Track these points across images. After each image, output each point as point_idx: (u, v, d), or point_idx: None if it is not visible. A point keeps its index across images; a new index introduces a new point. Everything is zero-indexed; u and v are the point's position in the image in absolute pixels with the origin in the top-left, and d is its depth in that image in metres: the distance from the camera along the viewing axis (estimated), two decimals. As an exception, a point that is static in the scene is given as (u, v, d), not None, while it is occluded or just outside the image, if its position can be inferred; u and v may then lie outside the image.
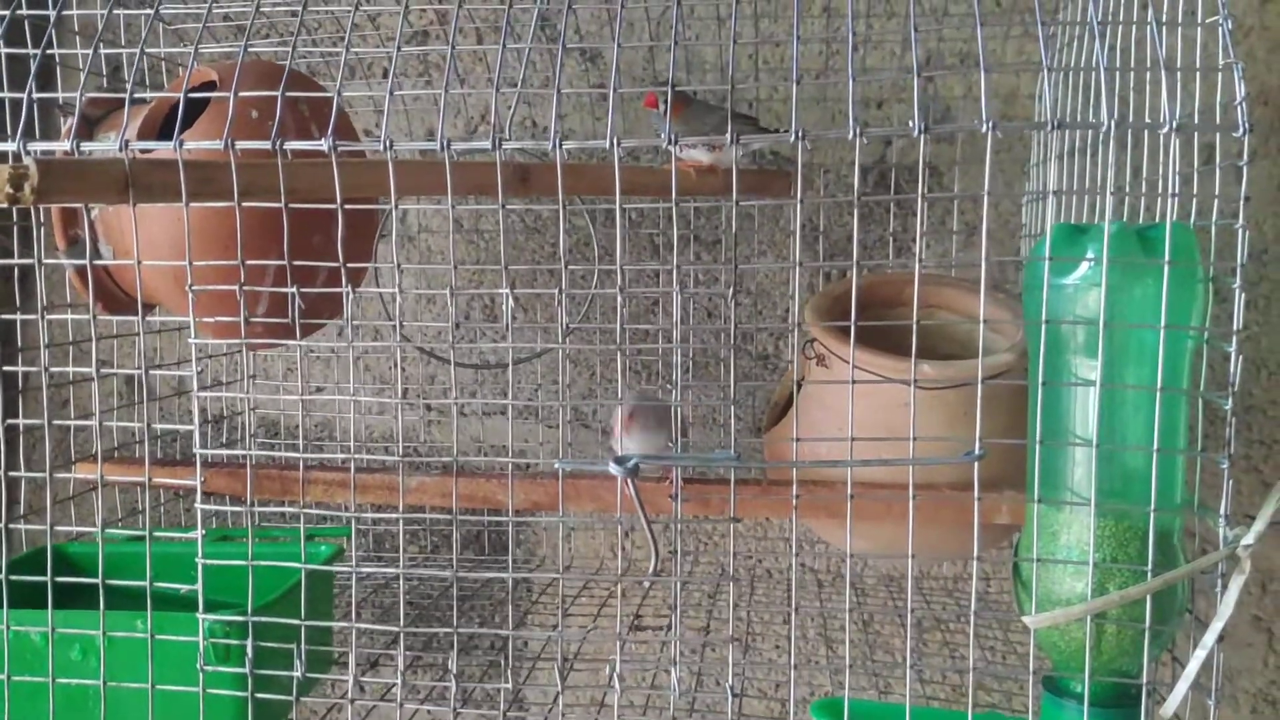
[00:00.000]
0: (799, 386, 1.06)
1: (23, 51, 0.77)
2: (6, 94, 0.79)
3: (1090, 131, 1.01)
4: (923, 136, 0.65)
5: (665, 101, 1.00)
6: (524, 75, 1.11)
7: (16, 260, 0.82)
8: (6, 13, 0.77)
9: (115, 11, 0.84)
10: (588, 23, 1.30)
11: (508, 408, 0.70)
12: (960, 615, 1.15)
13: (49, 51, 0.75)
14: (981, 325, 0.69)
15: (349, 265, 0.98)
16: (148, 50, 1.13)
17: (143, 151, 0.74)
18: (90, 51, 0.76)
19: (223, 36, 1.25)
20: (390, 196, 0.71)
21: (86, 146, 0.72)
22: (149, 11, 1.13)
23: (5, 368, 0.79)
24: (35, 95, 0.71)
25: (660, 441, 0.88)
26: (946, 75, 1.28)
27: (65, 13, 0.81)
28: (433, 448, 1.36)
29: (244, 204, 0.72)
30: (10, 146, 0.75)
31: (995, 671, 0.83)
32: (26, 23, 0.86)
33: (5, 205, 0.66)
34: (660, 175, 1.05)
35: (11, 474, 0.79)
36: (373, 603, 1.18)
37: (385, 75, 1.35)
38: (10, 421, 0.78)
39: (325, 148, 0.70)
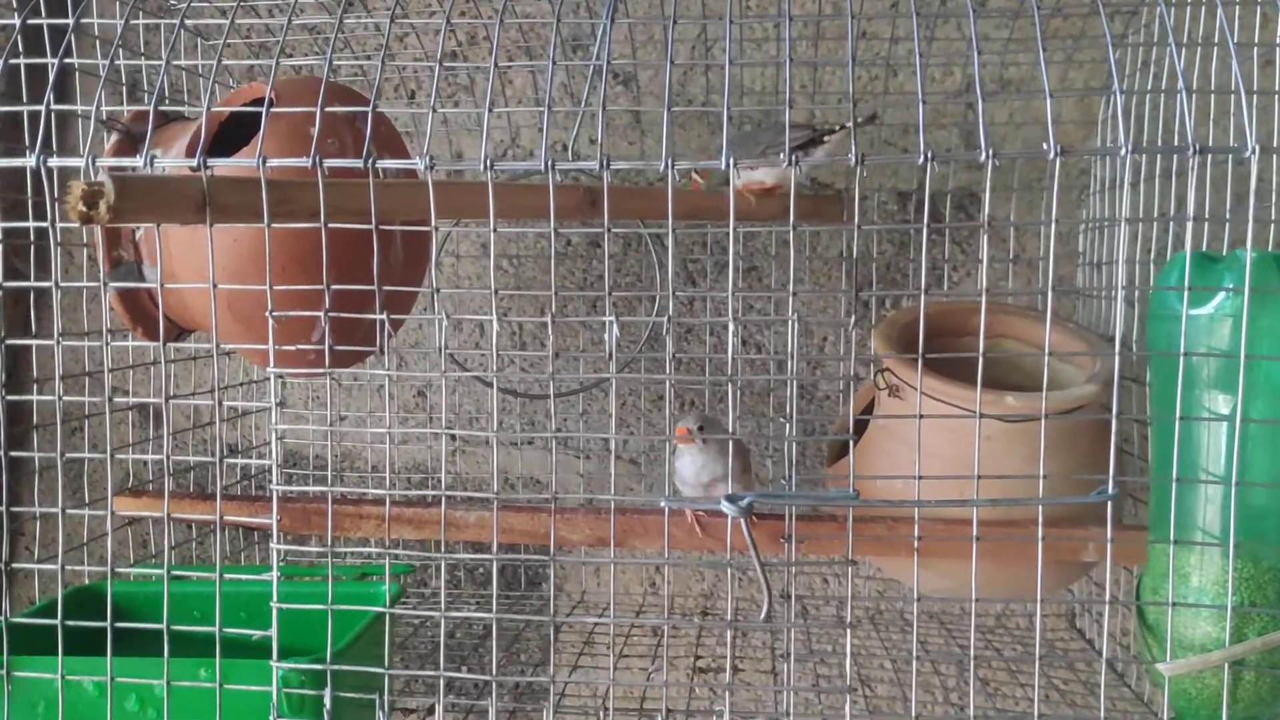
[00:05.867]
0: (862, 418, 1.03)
1: (91, 61, 0.72)
2: (73, 108, 0.74)
3: (1153, 158, 1.00)
4: (1058, 160, 0.62)
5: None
6: (584, 98, 1.08)
7: (75, 284, 0.77)
8: (70, 20, 0.72)
9: (187, 21, 0.80)
10: (620, 44, 1.27)
11: (608, 442, 0.65)
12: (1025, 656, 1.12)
13: (118, 62, 0.70)
14: (1116, 355, 0.66)
15: (403, 289, 0.95)
16: (177, 64, 1.09)
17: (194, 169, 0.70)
18: (162, 64, 0.71)
19: (247, 54, 1.21)
20: (490, 218, 0.67)
21: (160, 163, 0.68)
22: (200, 21, 1.09)
23: (63, 397, 0.73)
24: (105, 107, 0.67)
25: (728, 471, 0.83)
26: (988, 101, 1.26)
27: (134, 22, 0.77)
28: (457, 478, 1.32)
29: (324, 226, 0.68)
30: (29, 162, 0.71)
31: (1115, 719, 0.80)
32: (73, 36, 0.82)
33: (78, 224, 0.62)
34: (720, 199, 1.02)
35: (71, 511, 0.74)
36: (407, 646, 1.12)
37: (413, 96, 1.31)
38: (75, 455, 0.73)
39: (421, 166, 0.66)
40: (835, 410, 1.27)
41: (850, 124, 0.69)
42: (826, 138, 0.93)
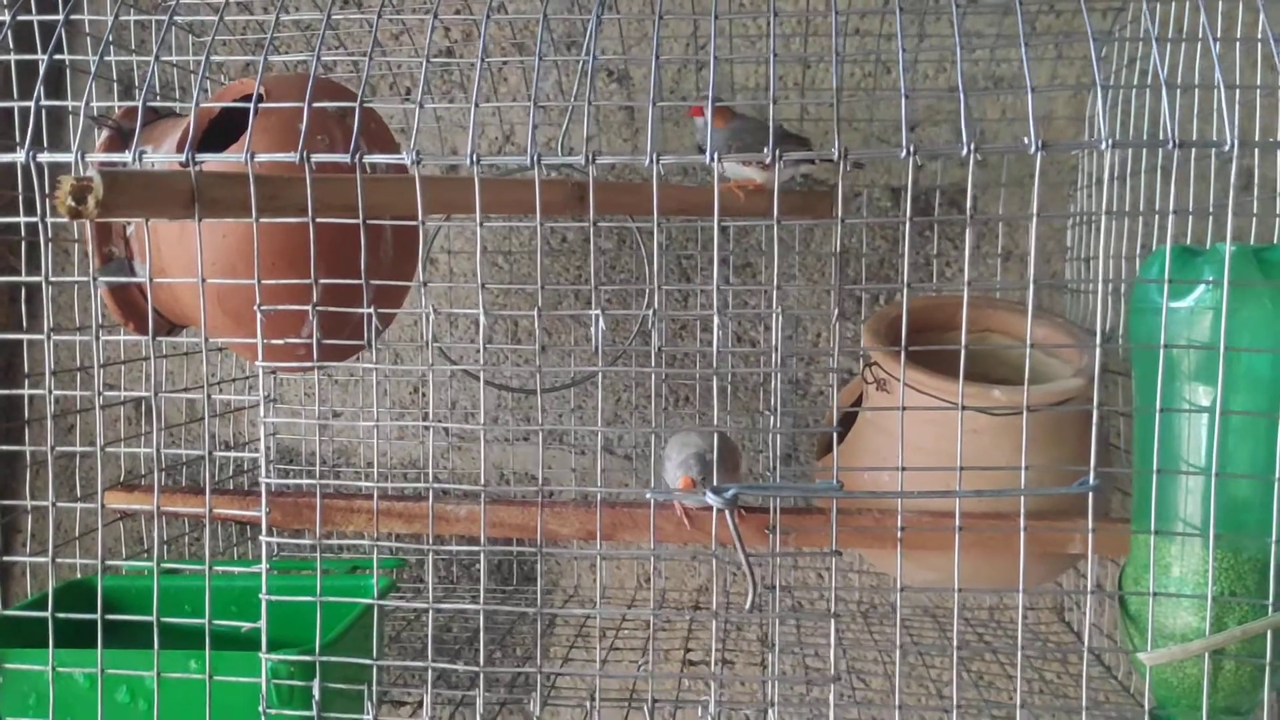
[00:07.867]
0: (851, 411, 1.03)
1: (82, 57, 0.72)
2: (64, 104, 0.74)
3: (1140, 154, 1.01)
4: (1045, 155, 0.63)
5: (709, 111, 0.97)
6: (574, 94, 1.08)
7: (66, 279, 0.77)
8: (101, 16, 0.72)
9: (178, 18, 0.81)
10: (614, 41, 1.27)
11: (597, 435, 0.65)
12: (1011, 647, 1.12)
13: (109, 59, 0.71)
14: (1098, 348, 0.67)
15: (392, 283, 0.95)
16: (168, 60, 1.09)
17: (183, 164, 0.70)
18: (153, 60, 0.72)
19: (239, 50, 1.21)
20: (476, 213, 0.68)
21: (150, 159, 0.68)
22: (198, 17, 1.09)
23: (57, 392, 0.74)
24: (96, 104, 0.67)
25: (722, 470, 0.84)
26: (981, 98, 1.27)
27: (125, 18, 0.77)
28: (451, 473, 1.32)
29: (312, 221, 0.68)
30: (19, 157, 0.71)
31: (1105, 711, 0.81)
32: (64, 32, 0.82)
33: (65, 219, 0.62)
34: (709, 194, 1.02)
35: (62, 505, 0.74)
36: (402, 641, 1.13)
37: (408, 93, 1.31)
38: (66, 449, 0.73)
39: (408, 161, 0.67)
40: (827, 405, 1.28)
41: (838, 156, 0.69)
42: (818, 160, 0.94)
